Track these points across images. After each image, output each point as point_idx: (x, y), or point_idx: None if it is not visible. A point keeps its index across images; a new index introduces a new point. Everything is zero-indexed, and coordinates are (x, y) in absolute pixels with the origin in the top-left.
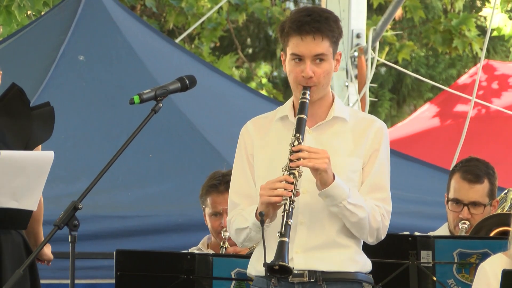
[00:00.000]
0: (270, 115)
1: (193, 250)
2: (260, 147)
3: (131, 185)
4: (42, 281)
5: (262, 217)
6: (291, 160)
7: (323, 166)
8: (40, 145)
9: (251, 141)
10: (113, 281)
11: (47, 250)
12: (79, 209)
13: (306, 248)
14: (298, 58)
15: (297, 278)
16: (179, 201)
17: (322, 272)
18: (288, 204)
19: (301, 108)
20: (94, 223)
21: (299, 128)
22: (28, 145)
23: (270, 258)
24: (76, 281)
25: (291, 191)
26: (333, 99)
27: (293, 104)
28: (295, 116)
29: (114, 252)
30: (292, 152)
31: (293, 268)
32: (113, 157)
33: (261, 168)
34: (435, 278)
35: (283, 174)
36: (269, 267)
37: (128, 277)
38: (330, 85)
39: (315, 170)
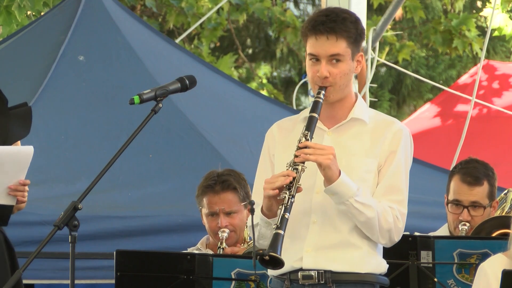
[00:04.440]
0: (295, 117)
1: (192, 250)
2: (282, 147)
3: (131, 185)
4: (42, 281)
5: (252, 205)
6: (296, 156)
7: (326, 161)
8: (19, 141)
9: (274, 142)
10: (113, 281)
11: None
12: (79, 209)
13: (317, 247)
14: (315, 58)
15: (307, 280)
16: (179, 201)
17: (331, 272)
18: (287, 198)
19: (314, 107)
20: (94, 223)
21: (309, 125)
22: (6, 143)
23: (284, 256)
24: (76, 281)
25: (292, 185)
26: (356, 101)
27: None
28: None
29: (114, 252)
30: (299, 148)
31: (282, 259)
32: (113, 157)
33: (280, 167)
34: (435, 279)
35: (287, 169)
36: (260, 258)
37: (128, 277)
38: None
39: (319, 166)
